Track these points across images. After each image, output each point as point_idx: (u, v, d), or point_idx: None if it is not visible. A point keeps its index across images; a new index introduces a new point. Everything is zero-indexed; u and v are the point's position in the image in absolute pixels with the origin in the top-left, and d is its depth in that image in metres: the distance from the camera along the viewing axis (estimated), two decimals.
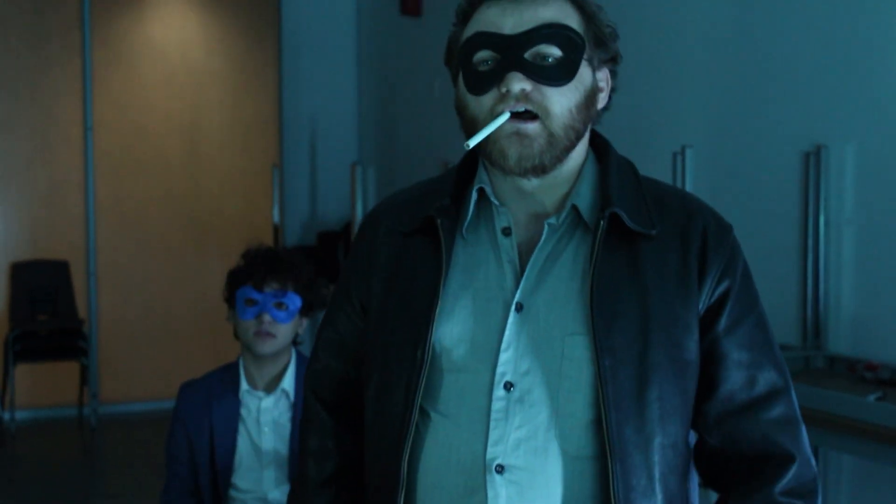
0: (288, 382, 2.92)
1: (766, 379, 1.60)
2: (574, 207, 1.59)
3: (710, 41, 4.66)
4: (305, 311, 2.94)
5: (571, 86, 1.55)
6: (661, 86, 4.94)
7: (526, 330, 1.55)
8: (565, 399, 1.53)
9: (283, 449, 2.89)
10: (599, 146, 1.67)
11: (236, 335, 2.95)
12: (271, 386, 2.95)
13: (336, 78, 8.37)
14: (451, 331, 1.58)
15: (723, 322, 1.58)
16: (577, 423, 1.53)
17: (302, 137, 8.27)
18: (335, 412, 1.77)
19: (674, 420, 1.54)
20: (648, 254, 1.57)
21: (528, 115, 1.53)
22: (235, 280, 2.92)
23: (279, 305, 2.86)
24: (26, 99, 7.62)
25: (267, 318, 2.85)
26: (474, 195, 1.62)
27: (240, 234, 7.69)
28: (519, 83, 1.52)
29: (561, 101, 1.54)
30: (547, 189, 1.60)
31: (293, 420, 2.90)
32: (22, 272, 7.53)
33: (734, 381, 1.59)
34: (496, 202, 1.61)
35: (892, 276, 3.79)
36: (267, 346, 2.88)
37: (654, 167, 4.79)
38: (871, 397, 3.34)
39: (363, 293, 1.70)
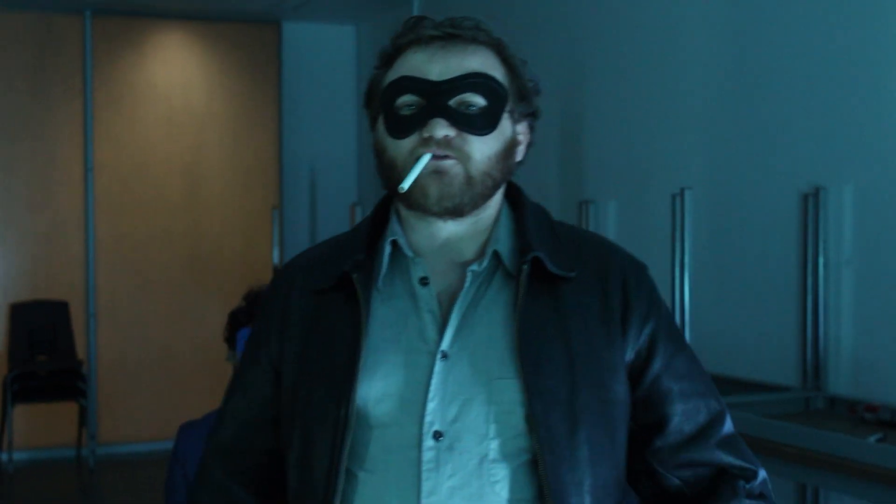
0: None
1: (709, 405, 1.63)
2: (495, 253, 1.60)
3: (709, 84, 4.68)
4: None
5: (493, 135, 1.57)
6: (661, 128, 4.96)
7: (452, 378, 1.54)
8: (495, 444, 1.53)
9: None
10: (513, 194, 1.68)
11: None
12: None
13: (336, 119, 8.40)
14: (375, 386, 1.55)
15: (659, 360, 1.61)
16: (508, 467, 1.53)
17: (302, 178, 8.30)
18: (238, 479, 1.71)
19: (603, 461, 1.56)
20: (569, 296, 1.58)
21: (448, 160, 1.55)
22: (237, 321, 2.92)
23: None
24: (27, 140, 7.65)
25: None
26: (387, 248, 1.61)
27: (240, 274, 7.70)
28: (442, 129, 1.53)
29: (482, 149, 1.55)
30: (464, 237, 1.61)
31: None
32: (21, 313, 7.53)
33: (682, 411, 1.62)
34: (410, 254, 1.60)
35: (892, 316, 3.79)
36: None
37: (654, 209, 4.82)
38: (872, 439, 3.34)
39: (276, 356, 1.67)
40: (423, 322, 1.57)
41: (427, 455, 1.52)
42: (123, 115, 7.88)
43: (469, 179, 1.55)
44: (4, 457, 7.20)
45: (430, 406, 1.53)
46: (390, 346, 1.57)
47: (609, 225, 5.24)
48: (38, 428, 7.57)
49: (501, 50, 1.62)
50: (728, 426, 1.65)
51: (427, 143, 1.54)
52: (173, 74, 8.02)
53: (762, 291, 4.34)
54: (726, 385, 4.32)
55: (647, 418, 1.62)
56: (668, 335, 1.63)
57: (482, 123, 1.56)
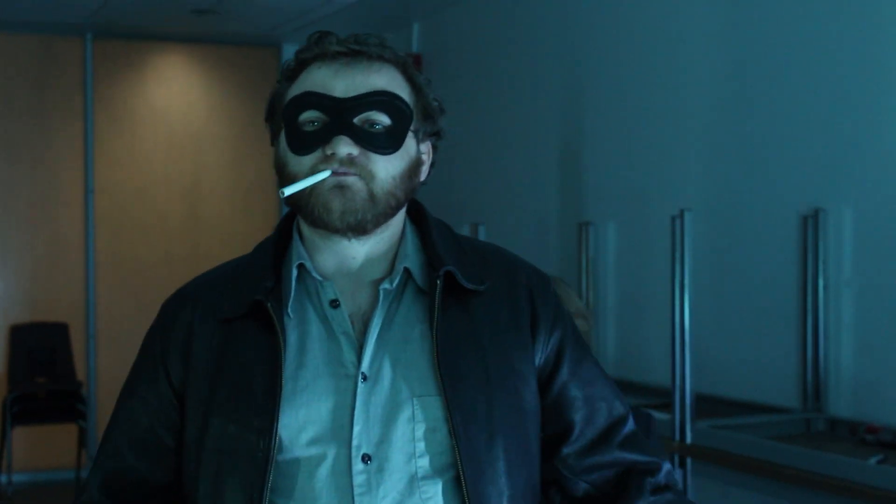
0: None
1: (612, 408, 1.66)
2: (406, 270, 1.58)
3: (708, 105, 4.70)
4: None
5: (397, 155, 1.55)
6: (660, 149, 4.97)
7: (374, 399, 1.52)
8: (423, 461, 1.52)
9: None
10: (415, 211, 1.67)
11: None
12: None
13: None
14: (298, 415, 1.52)
15: (566, 368, 1.63)
16: (439, 483, 1.53)
17: None
18: None
19: (520, 472, 1.56)
20: (479, 309, 1.58)
21: (350, 176, 1.53)
22: None
23: None
24: (28, 161, 7.66)
25: None
26: (294, 272, 1.58)
27: None
28: (346, 147, 1.51)
29: (386, 168, 1.53)
30: (371, 256, 1.59)
31: None
32: (21, 334, 7.53)
33: (587, 416, 1.63)
34: (318, 277, 1.57)
35: (892, 338, 3.79)
36: None
37: (653, 231, 4.82)
38: (873, 460, 3.34)
39: (178, 384, 1.60)
40: (338, 344, 1.55)
41: (358, 479, 1.50)
42: (124, 138, 7.90)
43: (372, 196, 1.52)
44: (4, 479, 7.18)
45: (356, 429, 1.51)
46: (308, 373, 1.54)
47: (608, 247, 5.25)
48: (38, 450, 7.55)
49: (406, 68, 1.60)
50: (632, 426, 1.67)
51: (329, 160, 1.51)
52: (174, 97, 8.05)
53: (762, 313, 4.34)
54: (726, 406, 4.32)
55: (554, 427, 1.63)
56: (573, 344, 1.65)
57: (386, 143, 1.53)
